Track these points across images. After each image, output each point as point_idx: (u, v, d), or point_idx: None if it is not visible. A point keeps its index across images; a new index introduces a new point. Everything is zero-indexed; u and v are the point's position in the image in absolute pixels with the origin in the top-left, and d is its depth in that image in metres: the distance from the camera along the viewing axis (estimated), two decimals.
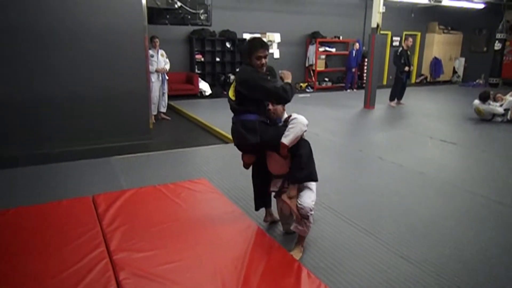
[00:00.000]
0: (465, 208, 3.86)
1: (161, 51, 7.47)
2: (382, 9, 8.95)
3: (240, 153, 3.09)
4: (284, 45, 12.07)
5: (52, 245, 2.74)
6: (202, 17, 7.33)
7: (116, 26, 5.57)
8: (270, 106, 2.92)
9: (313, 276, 2.47)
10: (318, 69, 12.57)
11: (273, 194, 3.16)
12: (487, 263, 2.89)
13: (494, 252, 3.03)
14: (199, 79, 10.37)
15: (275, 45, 11.96)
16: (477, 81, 14.53)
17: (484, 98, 7.95)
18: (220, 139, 6.35)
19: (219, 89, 10.70)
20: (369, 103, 9.37)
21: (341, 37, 12.89)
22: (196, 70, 10.73)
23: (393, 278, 2.67)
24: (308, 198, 2.84)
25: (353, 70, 12.71)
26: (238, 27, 11.03)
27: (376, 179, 4.60)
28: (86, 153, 5.21)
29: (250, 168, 3.18)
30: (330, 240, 3.16)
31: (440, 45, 15.03)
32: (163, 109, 7.80)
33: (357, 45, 12.48)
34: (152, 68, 7.20)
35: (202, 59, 10.79)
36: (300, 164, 2.78)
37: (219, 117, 7.30)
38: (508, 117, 7.84)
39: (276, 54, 11.98)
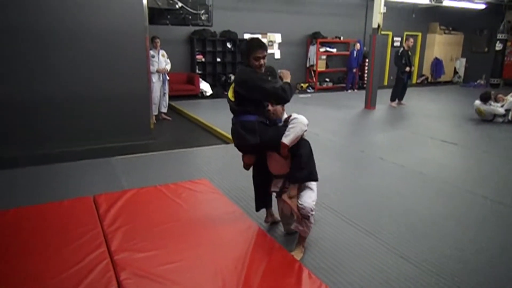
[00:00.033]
0: (466, 208, 3.86)
1: (162, 52, 7.48)
2: (383, 9, 8.95)
3: (240, 153, 3.10)
4: (285, 45, 12.08)
5: (53, 245, 2.74)
6: (203, 18, 7.34)
7: (117, 27, 5.57)
8: (270, 107, 2.92)
9: (314, 277, 2.48)
10: (319, 69, 12.58)
11: (274, 194, 3.16)
12: (487, 263, 2.89)
13: (494, 252, 3.03)
14: (200, 79, 10.38)
15: (276, 46, 11.97)
16: (478, 81, 14.51)
17: (485, 99, 7.95)
18: (221, 139, 6.36)
19: (220, 90, 10.71)
20: (370, 103, 9.36)
21: (342, 38, 12.89)
22: (197, 71, 10.74)
23: (393, 278, 2.67)
24: (309, 198, 2.85)
25: (354, 70, 12.71)
26: (239, 28, 11.04)
27: (376, 180, 4.60)
28: (87, 154, 5.21)
29: (251, 168, 3.18)
30: (330, 240, 3.16)
31: (441, 45, 15.02)
32: (164, 110, 7.81)
33: (358, 46, 12.47)
34: (153, 68, 7.21)
35: (203, 60, 10.79)
36: (300, 164, 2.79)
37: (220, 117, 7.30)
38: (509, 117, 7.83)
39: (277, 55, 11.98)
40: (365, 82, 11.42)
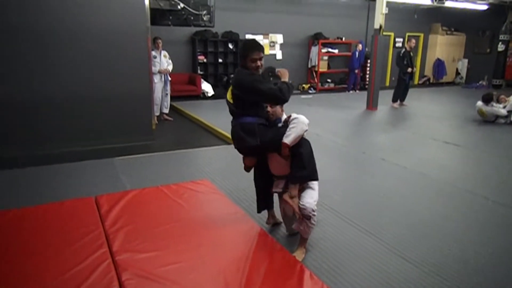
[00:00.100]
0: (466, 208, 3.85)
1: (163, 52, 7.50)
2: (385, 10, 8.95)
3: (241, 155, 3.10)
4: (286, 46, 12.08)
5: (54, 245, 2.75)
6: (204, 18, 7.35)
7: (117, 27, 5.57)
8: (269, 108, 2.92)
9: (315, 278, 2.47)
10: (320, 70, 12.57)
11: (276, 194, 3.16)
12: (487, 263, 2.88)
13: (495, 252, 3.03)
14: (202, 80, 10.39)
15: (277, 46, 11.96)
16: (480, 82, 14.47)
17: (487, 100, 7.93)
18: (222, 140, 6.36)
19: (221, 90, 10.69)
20: (371, 104, 9.35)
21: (343, 38, 12.88)
22: (199, 71, 10.74)
23: (393, 278, 2.67)
24: (310, 198, 2.84)
25: (356, 71, 12.70)
26: (240, 28, 11.04)
27: (377, 180, 4.59)
28: (88, 154, 5.22)
29: (252, 169, 3.18)
30: (332, 241, 3.16)
31: (443, 46, 14.99)
32: (166, 110, 7.82)
33: (359, 46, 12.46)
34: (155, 69, 7.22)
35: (205, 60, 10.80)
36: (301, 163, 2.78)
37: (221, 118, 7.27)
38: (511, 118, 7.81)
39: (279, 55, 11.97)
40: (367, 83, 11.39)
